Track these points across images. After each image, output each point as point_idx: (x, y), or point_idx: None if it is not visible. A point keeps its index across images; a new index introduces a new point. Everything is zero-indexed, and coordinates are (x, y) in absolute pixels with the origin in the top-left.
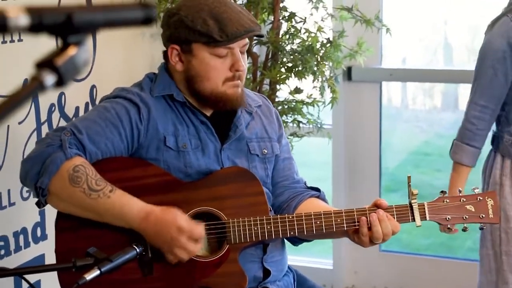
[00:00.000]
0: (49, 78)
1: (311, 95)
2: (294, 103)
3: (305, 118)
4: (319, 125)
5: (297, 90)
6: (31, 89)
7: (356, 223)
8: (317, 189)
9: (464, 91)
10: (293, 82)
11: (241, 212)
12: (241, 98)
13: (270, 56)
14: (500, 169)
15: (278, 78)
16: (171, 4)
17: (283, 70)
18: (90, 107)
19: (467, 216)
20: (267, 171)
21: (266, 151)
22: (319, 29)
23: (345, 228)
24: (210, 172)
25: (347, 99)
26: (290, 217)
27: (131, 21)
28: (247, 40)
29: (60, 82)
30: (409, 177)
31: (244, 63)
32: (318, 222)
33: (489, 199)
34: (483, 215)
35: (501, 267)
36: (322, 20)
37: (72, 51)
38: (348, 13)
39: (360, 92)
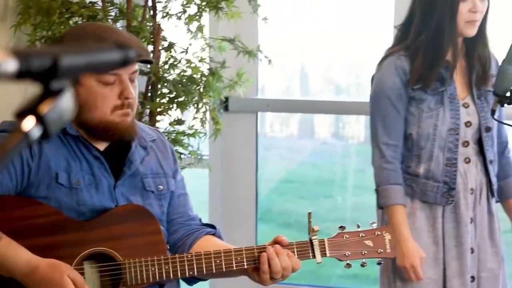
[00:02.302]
0: (35, 130)
1: (193, 126)
2: (175, 135)
3: (187, 149)
4: (199, 156)
5: (179, 122)
6: (15, 143)
7: (257, 261)
8: (213, 226)
9: (320, 119)
10: (173, 113)
11: (138, 252)
12: (131, 128)
13: (150, 86)
14: None
15: (162, 108)
16: (47, 32)
17: (165, 100)
18: None
19: (366, 252)
20: (162, 208)
21: (161, 187)
22: (201, 59)
23: (245, 267)
24: (104, 210)
25: (224, 130)
26: (189, 256)
27: (110, 64)
28: (136, 67)
29: (46, 134)
30: (309, 214)
31: (134, 91)
32: (218, 261)
33: (386, 233)
34: (381, 250)
35: None
36: (202, 49)
37: (56, 98)
38: (230, 44)
39: (237, 122)
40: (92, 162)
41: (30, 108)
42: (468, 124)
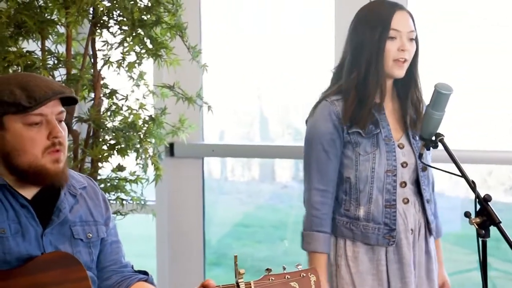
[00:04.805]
0: None
1: (135, 172)
2: (117, 181)
3: (129, 195)
4: (142, 202)
5: (120, 168)
6: None
7: None
8: (145, 273)
9: (280, 163)
10: (115, 159)
11: None
12: (63, 174)
13: (91, 133)
14: (334, 250)
15: (100, 156)
16: None
17: (105, 147)
18: None
19: None
20: (92, 255)
21: (91, 235)
22: (141, 106)
23: None
24: (30, 259)
25: (170, 175)
26: None
27: None
28: (61, 108)
29: None
30: (235, 257)
31: (63, 132)
32: None
33: (311, 275)
34: None
35: None
36: (144, 97)
37: None
38: (170, 91)
39: (183, 167)
40: (19, 211)
41: None
42: (404, 164)
